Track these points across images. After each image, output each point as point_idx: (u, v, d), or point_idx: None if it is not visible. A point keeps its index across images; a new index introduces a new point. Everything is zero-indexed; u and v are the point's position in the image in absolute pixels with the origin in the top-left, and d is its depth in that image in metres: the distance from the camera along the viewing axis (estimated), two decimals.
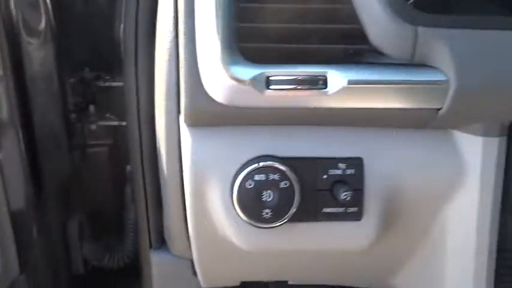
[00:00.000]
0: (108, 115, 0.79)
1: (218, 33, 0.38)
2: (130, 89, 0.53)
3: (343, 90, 0.38)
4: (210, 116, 0.40)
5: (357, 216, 0.42)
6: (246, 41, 0.39)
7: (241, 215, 0.41)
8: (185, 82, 0.39)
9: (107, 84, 0.75)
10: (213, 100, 0.39)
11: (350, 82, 0.38)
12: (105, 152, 0.84)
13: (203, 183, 0.42)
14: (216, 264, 0.51)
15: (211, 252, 0.49)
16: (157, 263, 0.65)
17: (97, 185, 0.86)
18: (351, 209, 0.42)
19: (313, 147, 0.42)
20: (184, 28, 0.39)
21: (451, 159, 0.43)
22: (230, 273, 0.53)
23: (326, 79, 0.38)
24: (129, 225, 0.85)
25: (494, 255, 0.44)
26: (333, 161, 0.42)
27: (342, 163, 0.42)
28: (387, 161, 0.42)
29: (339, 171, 0.42)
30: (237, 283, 0.57)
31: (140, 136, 0.51)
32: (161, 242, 0.61)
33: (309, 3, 0.40)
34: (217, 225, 0.44)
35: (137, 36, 0.50)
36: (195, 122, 0.41)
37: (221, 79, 0.38)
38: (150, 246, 0.65)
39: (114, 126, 0.79)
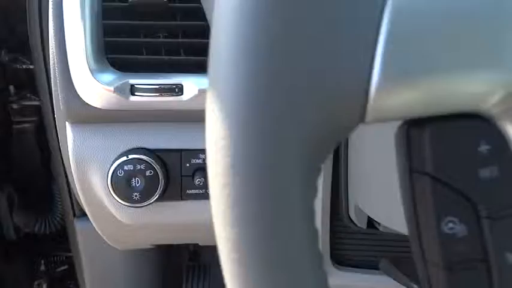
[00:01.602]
0: (28, 95, 0.85)
1: (87, 46, 0.46)
2: (41, 71, 0.60)
3: (195, 97, 0.47)
4: (84, 116, 0.48)
5: None
6: (112, 53, 0.47)
7: (116, 197, 0.50)
8: (59, 85, 0.47)
9: (25, 66, 0.80)
10: (85, 103, 0.47)
11: (201, 90, 0.47)
12: (31, 128, 0.91)
13: (85, 170, 0.51)
14: (115, 233, 0.61)
15: (106, 223, 0.58)
16: (80, 229, 0.75)
17: (25, 159, 0.93)
18: None
19: (178, 140, 0.52)
20: (55, 41, 0.47)
21: None
22: (130, 240, 0.64)
23: (182, 87, 0.47)
24: (57, 196, 0.94)
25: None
26: (195, 152, 0.51)
27: (202, 154, 0.52)
28: None
29: (199, 160, 0.52)
30: (147, 246, 0.68)
31: (53, 115, 0.57)
32: (83, 211, 0.69)
33: (167, 20, 0.48)
34: (103, 204, 0.54)
35: (41, 20, 0.57)
36: (73, 120, 0.49)
37: (91, 86, 0.46)
38: (74, 215, 0.75)
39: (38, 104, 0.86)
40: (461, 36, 0.18)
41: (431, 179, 0.20)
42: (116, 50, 0.47)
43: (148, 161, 0.50)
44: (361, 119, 0.19)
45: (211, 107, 0.19)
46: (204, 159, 0.52)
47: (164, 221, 0.55)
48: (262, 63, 0.17)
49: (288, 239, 0.18)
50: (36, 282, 1.03)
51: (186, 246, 1.01)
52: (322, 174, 0.20)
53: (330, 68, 0.17)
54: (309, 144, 0.18)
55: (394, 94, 0.18)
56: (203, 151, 0.55)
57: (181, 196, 0.53)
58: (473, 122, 0.19)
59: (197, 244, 0.93)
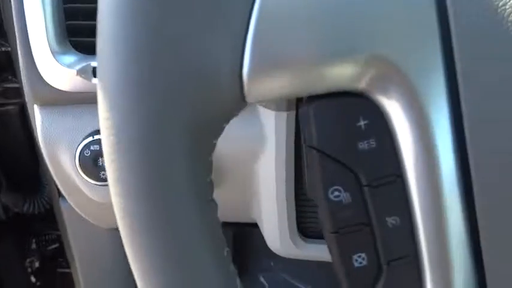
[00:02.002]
0: (10, 77, 0.87)
1: (48, 29, 0.47)
2: (16, 54, 0.62)
3: None
4: (50, 99, 0.50)
5: None
6: (75, 36, 0.49)
7: (85, 176, 0.53)
8: (24, 68, 0.49)
9: (3, 49, 0.82)
10: (50, 85, 0.49)
11: None
12: (15, 110, 0.93)
13: (55, 152, 0.54)
14: (92, 211, 0.64)
15: (80, 202, 0.61)
16: (65, 209, 0.78)
17: (10, 141, 0.96)
18: None
19: None
20: (17, 24, 0.48)
21: (256, 130, 0.54)
22: (109, 218, 0.66)
23: None
24: (43, 176, 0.97)
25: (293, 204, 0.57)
26: None
27: None
28: None
29: None
30: None
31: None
32: None
33: None
34: (75, 183, 0.56)
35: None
36: (40, 103, 0.51)
37: (53, 69, 0.48)
38: (59, 195, 0.78)
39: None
40: (325, 25, 0.20)
41: (317, 152, 0.22)
42: (78, 33, 0.49)
43: None
44: (243, 100, 0.20)
45: (98, 86, 0.20)
46: None
47: None
48: (141, 49, 0.19)
49: (178, 212, 0.20)
50: (28, 260, 1.06)
51: None
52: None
53: (205, 55, 0.19)
54: (194, 125, 0.20)
55: (266, 78, 0.20)
56: None
57: None
58: (351, 100, 0.21)
59: None
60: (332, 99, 0.22)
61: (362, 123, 0.22)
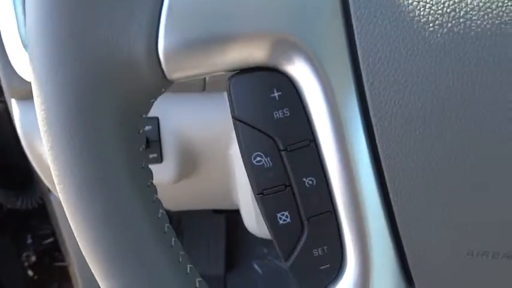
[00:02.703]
0: None
1: (19, 23, 0.50)
2: None
3: None
4: (25, 92, 0.53)
5: (158, 161, 0.58)
6: None
7: None
8: None
9: None
10: (23, 79, 0.52)
11: None
12: (3, 107, 0.96)
13: (33, 145, 0.56)
14: None
15: None
16: (55, 202, 0.81)
17: (1, 137, 0.99)
18: (152, 155, 0.57)
19: None
20: None
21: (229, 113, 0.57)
22: None
23: None
24: (35, 172, 1.00)
25: None
26: None
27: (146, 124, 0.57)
28: (178, 120, 0.57)
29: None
30: None
31: None
32: None
33: None
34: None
35: None
36: (17, 97, 0.54)
37: (26, 62, 0.51)
38: (49, 190, 0.81)
39: None
40: (234, 4, 0.22)
41: (239, 122, 0.25)
42: None
43: None
44: (165, 77, 0.23)
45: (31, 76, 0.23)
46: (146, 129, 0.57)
47: None
48: (61, 35, 0.21)
49: (112, 180, 0.23)
50: (24, 254, 1.10)
51: None
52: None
53: (121, 36, 0.22)
54: (120, 102, 0.22)
55: (181, 56, 0.22)
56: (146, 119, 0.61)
57: None
58: (264, 73, 0.24)
59: (169, 210, 0.99)
60: (247, 73, 0.24)
61: (276, 94, 0.24)
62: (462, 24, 0.23)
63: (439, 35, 0.23)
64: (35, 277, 1.11)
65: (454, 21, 0.23)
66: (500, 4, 0.23)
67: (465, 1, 0.23)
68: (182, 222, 1.03)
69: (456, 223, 0.26)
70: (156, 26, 0.22)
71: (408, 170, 0.25)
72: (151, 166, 0.60)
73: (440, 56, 0.23)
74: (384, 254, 0.27)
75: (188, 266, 0.25)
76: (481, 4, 0.23)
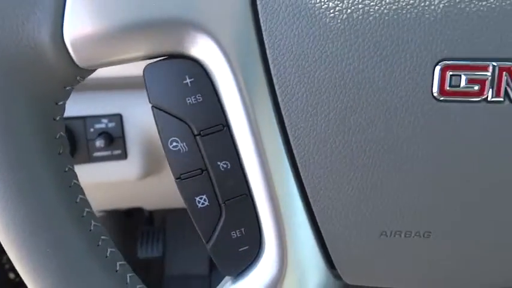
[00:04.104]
0: None
1: None
2: None
3: None
4: None
5: (123, 157, 0.59)
6: None
7: None
8: None
9: None
10: None
11: None
12: None
13: None
14: None
15: None
16: None
17: None
18: (116, 152, 0.58)
19: (81, 108, 0.57)
20: None
21: None
22: None
23: None
24: None
25: None
26: (98, 118, 0.57)
27: (105, 119, 0.58)
28: (142, 116, 0.58)
29: (102, 125, 0.58)
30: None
31: None
32: None
33: None
34: None
35: None
36: None
37: None
38: None
39: None
40: None
41: (155, 109, 0.26)
42: None
43: None
44: (76, 66, 0.24)
45: None
46: (106, 123, 0.58)
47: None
48: None
49: (30, 164, 0.24)
50: (5, 257, 1.11)
51: (140, 211, 1.08)
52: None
53: (27, 27, 0.23)
54: (33, 90, 0.23)
55: (87, 45, 0.23)
56: (105, 116, 0.62)
57: (90, 158, 0.59)
58: (177, 61, 0.25)
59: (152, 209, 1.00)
60: (161, 61, 0.25)
61: (188, 81, 0.25)
62: (361, 10, 0.24)
63: (339, 21, 0.24)
64: (17, 279, 1.12)
65: (353, 7, 0.24)
66: None
67: None
68: (166, 221, 1.04)
69: (367, 204, 0.27)
70: (60, 14, 0.23)
71: (317, 152, 0.26)
72: (116, 162, 0.61)
73: (341, 40, 0.24)
74: (302, 235, 0.28)
75: (109, 249, 0.26)
76: None
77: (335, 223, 0.27)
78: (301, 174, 0.26)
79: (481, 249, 0.28)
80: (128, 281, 0.27)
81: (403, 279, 0.29)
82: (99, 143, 0.57)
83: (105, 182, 0.63)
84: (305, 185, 0.26)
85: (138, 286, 0.27)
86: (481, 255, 0.28)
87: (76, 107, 0.58)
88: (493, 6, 0.24)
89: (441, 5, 0.24)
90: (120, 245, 0.95)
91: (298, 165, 0.26)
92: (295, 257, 0.28)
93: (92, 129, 0.58)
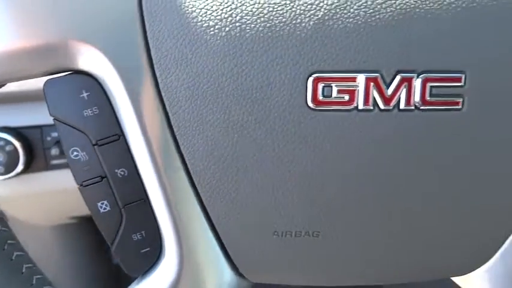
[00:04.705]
0: None
1: None
2: None
3: None
4: None
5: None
6: None
7: None
8: None
9: None
10: None
11: None
12: None
13: None
14: (7, 208, 0.70)
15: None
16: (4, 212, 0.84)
17: None
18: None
19: (38, 117, 0.60)
20: None
21: None
22: (28, 214, 0.72)
23: None
24: None
25: None
26: (54, 127, 0.59)
27: None
28: None
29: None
30: (63, 220, 0.77)
31: None
32: None
33: None
34: None
35: None
36: None
37: None
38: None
39: None
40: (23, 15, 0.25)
41: (56, 120, 0.28)
42: None
43: (6, 138, 0.58)
44: None
45: None
46: None
47: (38, 190, 0.63)
48: None
49: None
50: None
51: None
52: None
53: None
54: None
55: None
56: None
57: (47, 166, 0.61)
58: (74, 76, 0.27)
59: None
60: (59, 77, 0.28)
61: (84, 94, 0.27)
62: (238, 28, 0.26)
63: (218, 38, 0.26)
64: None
65: (231, 25, 0.26)
66: (271, 9, 0.26)
67: (241, 7, 0.26)
68: None
69: (258, 206, 0.29)
70: None
71: (207, 159, 0.28)
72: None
73: (220, 56, 0.26)
74: (201, 236, 0.30)
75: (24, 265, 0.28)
76: (254, 10, 0.26)
77: (230, 224, 0.29)
78: (194, 179, 0.28)
79: (368, 248, 0.30)
80: None
81: (300, 277, 0.31)
82: (55, 151, 0.59)
83: (69, 189, 0.65)
84: (199, 189, 0.28)
85: None
86: (368, 253, 0.30)
87: (33, 116, 0.60)
88: (359, 23, 0.26)
89: (311, 22, 0.26)
90: (94, 251, 0.97)
91: (191, 170, 0.28)
92: (195, 258, 0.30)
93: (48, 138, 0.60)
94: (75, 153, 0.28)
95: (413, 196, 0.29)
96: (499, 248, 0.31)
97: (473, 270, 0.32)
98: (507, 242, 0.31)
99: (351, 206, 0.29)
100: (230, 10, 0.26)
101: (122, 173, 0.28)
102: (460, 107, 0.27)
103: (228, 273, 0.31)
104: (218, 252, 0.30)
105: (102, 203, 0.29)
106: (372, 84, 0.27)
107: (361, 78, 0.27)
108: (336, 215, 0.29)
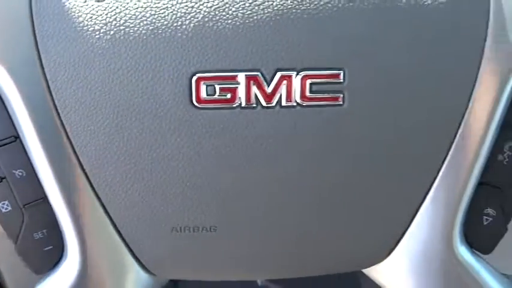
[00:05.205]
0: None
1: None
2: None
3: None
4: None
5: None
6: None
7: None
8: None
9: None
10: None
11: None
12: None
13: None
14: None
15: None
16: None
17: None
18: None
19: None
20: None
21: None
22: None
23: None
24: None
25: None
26: None
27: None
28: None
29: None
30: None
31: None
32: None
33: None
34: None
35: None
36: None
37: None
38: None
39: None
40: None
41: None
42: None
43: None
44: None
45: None
46: None
47: None
48: None
49: None
50: None
51: None
52: None
53: None
54: None
55: None
56: None
57: None
58: None
59: None
60: None
61: None
62: (122, 32, 0.27)
63: (104, 42, 0.27)
64: None
65: (115, 29, 0.27)
66: (153, 13, 0.27)
67: (125, 12, 0.27)
68: None
69: (155, 203, 0.30)
70: None
71: (100, 159, 0.29)
72: None
73: (106, 58, 0.27)
74: (104, 234, 0.31)
75: None
76: (137, 13, 0.27)
77: (131, 222, 0.30)
78: (90, 178, 0.29)
79: (264, 242, 0.31)
80: None
81: (204, 272, 0.32)
82: None
83: None
84: (95, 188, 0.29)
85: None
86: (264, 248, 0.31)
87: None
88: (238, 24, 0.27)
89: (192, 25, 0.27)
90: None
91: (86, 170, 0.29)
92: (99, 256, 0.31)
93: None
94: None
95: (301, 191, 0.29)
96: (399, 240, 0.32)
97: (375, 264, 0.33)
98: (405, 235, 0.32)
99: (243, 201, 0.30)
100: (115, 14, 0.28)
101: (20, 173, 0.29)
102: (340, 102, 0.28)
103: (138, 271, 0.32)
104: (124, 250, 0.31)
105: (4, 203, 0.30)
106: (252, 82, 0.28)
107: (241, 77, 0.28)
108: (229, 210, 0.30)
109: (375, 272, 0.35)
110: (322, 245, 0.32)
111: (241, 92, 0.28)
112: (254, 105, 0.28)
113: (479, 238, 0.32)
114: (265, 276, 0.33)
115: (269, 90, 0.28)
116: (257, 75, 0.28)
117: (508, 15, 0.29)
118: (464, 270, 0.32)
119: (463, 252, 0.32)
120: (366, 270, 0.35)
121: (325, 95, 0.28)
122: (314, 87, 0.28)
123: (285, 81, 0.28)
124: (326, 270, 0.33)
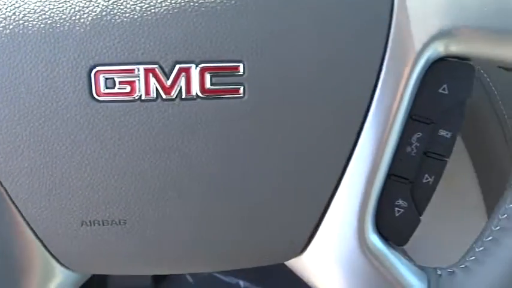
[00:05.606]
0: None
1: None
2: None
3: None
4: None
5: None
6: None
7: None
8: None
9: None
10: None
11: None
12: None
13: None
14: None
15: None
16: None
17: None
18: None
19: None
20: None
21: None
22: None
23: None
24: None
25: None
26: None
27: None
28: None
29: None
30: None
31: None
32: None
33: None
34: None
35: None
36: None
37: None
38: None
39: None
40: None
41: None
42: None
43: None
44: None
45: None
46: None
47: None
48: None
49: None
50: None
51: None
52: None
53: None
54: None
55: None
56: None
57: None
58: None
59: None
60: None
61: None
62: (21, 25, 0.28)
63: (3, 36, 0.28)
64: None
65: (14, 23, 0.28)
66: (51, 6, 0.28)
67: (24, 6, 0.28)
68: None
69: (62, 197, 0.30)
70: None
71: (3, 149, 0.29)
72: None
73: (6, 53, 0.28)
74: (16, 229, 0.31)
75: None
76: (36, 7, 0.28)
77: (40, 216, 0.30)
78: None
79: (175, 235, 0.31)
80: None
81: (118, 266, 0.32)
82: None
83: None
84: (3, 182, 0.30)
85: None
86: (174, 241, 0.31)
87: None
88: (136, 17, 0.28)
89: (89, 18, 0.28)
90: None
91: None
92: (13, 251, 0.31)
93: None
94: None
95: (206, 183, 0.30)
96: (313, 233, 0.32)
97: (291, 258, 0.33)
98: (319, 229, 0.32)
99: (149, 194, 0.30)
100: (14, 8, 0.28)
101: None
102: (241, 95, 0.29)
103: (55, 266, 0.32)
104: (38, 245, 0.31)
105: None
106: (151, 74, 0.28)
107: (140, 70, 0.28)
108: (137, 203, 0.30)
109: (296, 266, 0.35)
110: (234, 239, 0.32)
111: (140, 84, 0.28)
112: (154, 98, 0.28)
113: (392, 230, 0.32)
114: (178, 270, 0.33)
115: (168, 82, 0.28)
116: (155, 67, 0.28)
117: (412, 4, 0.30)
118: (378, 260, 0.32)
119: (376, 243, 0.32)
120: (291, 266, 0.35)
121: (226, 87, 0.29)
122: (214, 80, 0.28)
123: (183, 74, 0.28)
124: (241, 263, 0.33)
